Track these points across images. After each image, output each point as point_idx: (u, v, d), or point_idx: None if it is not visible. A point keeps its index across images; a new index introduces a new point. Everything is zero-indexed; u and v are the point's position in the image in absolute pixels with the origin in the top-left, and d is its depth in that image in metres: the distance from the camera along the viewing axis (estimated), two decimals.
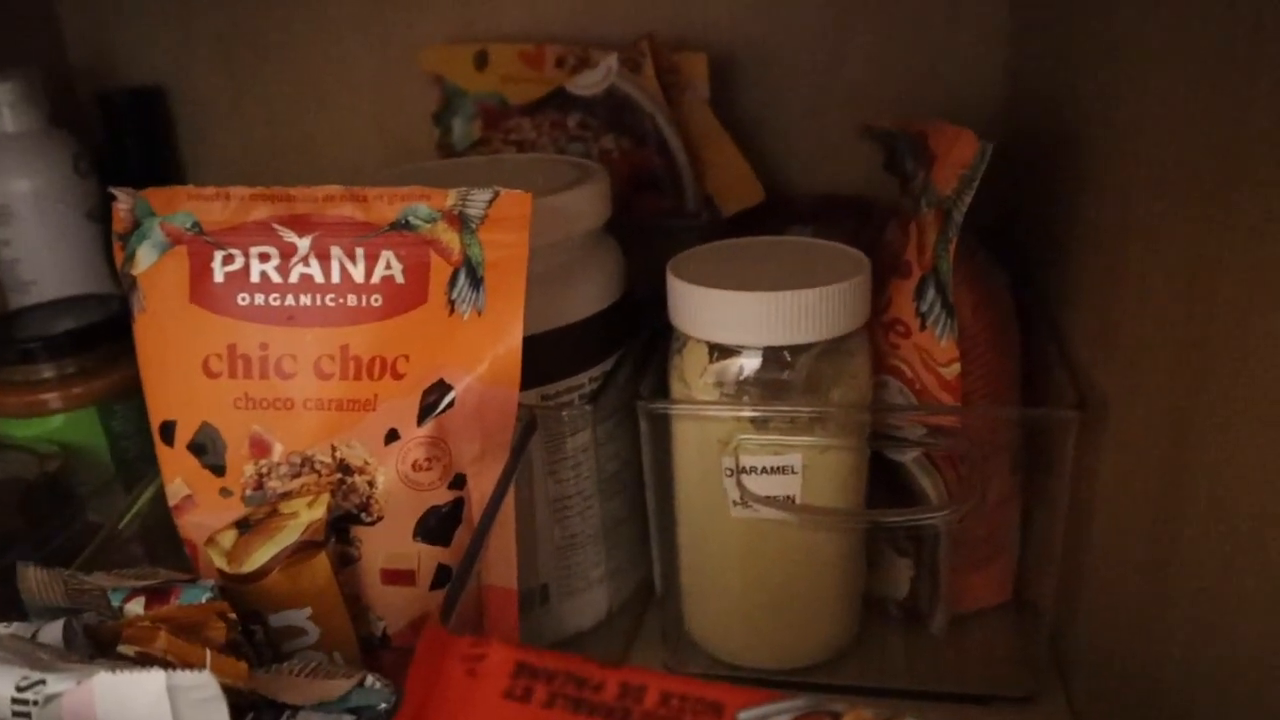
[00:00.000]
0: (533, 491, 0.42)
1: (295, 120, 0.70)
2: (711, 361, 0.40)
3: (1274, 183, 0.25)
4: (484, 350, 0.35)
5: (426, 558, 0.37)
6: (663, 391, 0.43)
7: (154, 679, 0.23)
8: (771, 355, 0.40)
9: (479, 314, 0.35)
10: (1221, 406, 0.29)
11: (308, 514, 0.35)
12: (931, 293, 0.40)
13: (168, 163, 0.72)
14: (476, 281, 0.35)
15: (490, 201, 0.35)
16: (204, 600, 0.31)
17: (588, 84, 0.56)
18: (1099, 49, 0.41)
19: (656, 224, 0.56)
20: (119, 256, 0.37)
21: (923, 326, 0.41)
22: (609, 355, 0.44)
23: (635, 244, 0.47)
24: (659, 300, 0.42)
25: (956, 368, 0.40)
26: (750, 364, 0.40)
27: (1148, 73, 0.34)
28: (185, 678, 0.23)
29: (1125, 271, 0.36)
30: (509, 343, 0.35)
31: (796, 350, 0.39)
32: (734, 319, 0.39)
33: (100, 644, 0.29)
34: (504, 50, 0.62)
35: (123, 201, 0.37)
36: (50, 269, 0.61)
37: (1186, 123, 0.31)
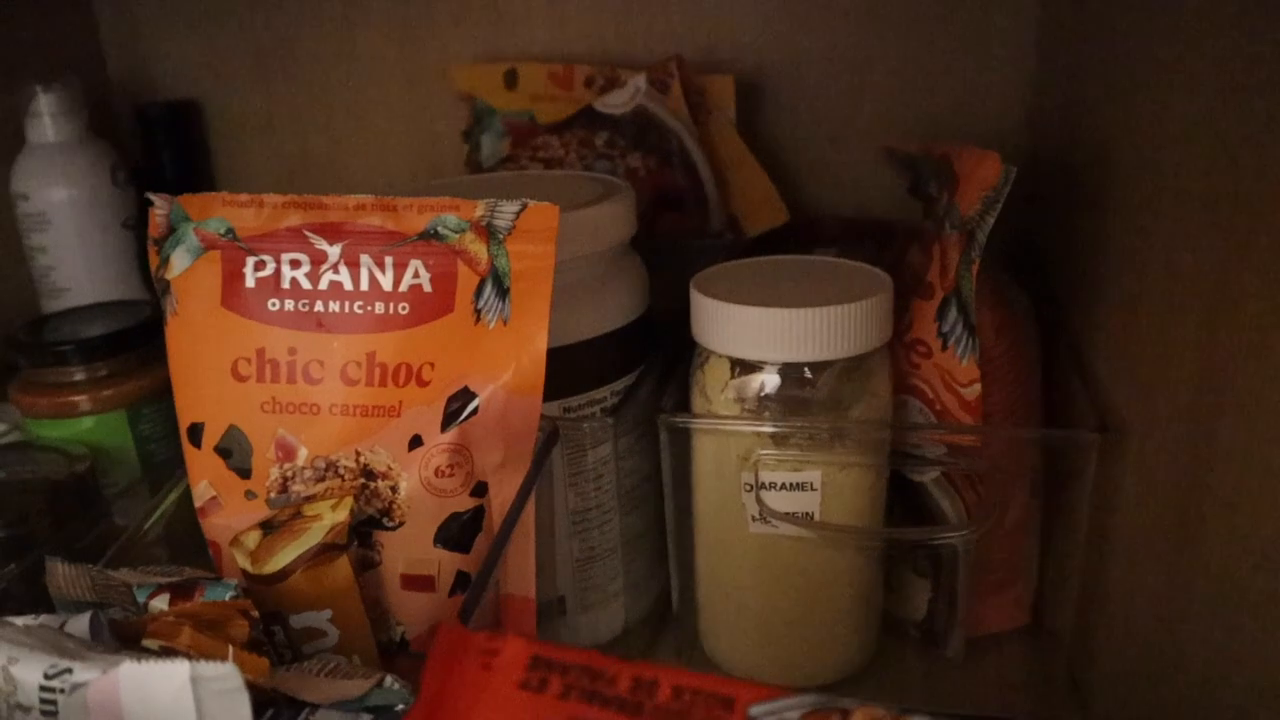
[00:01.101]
0: (553, 502, 0.43)
1: (326, 136, 0.71)
2: (733, 377, 0.41)
3: None
4: (508, 360, 0.36)
5: (446, 564, 0.37)
6: (684, 406, 0.43)
7: (178, 669, 0.23)
8: (793, 372, 0.40)
9: (504, 324, 0.36)
10: (1242, 432, 0.29)
11: (331, 517, 0.35)
12: (954, 313, 0.40)
13: (202, 176, 0.73)
14: (503, 291, 0.36)
15: (518, 213, 0.36)
16: (228, 598, 0.31)
17: (615, 103, 0.57)
18: (1121, 74, 0.41)
19: (681, 243, 0.57)
20: (153, 261, 0.38)
21: (944, 347, 0.41)
22: (631, 370, 0.45)
23: (660, 262, 0.48)
24: (682, 318, 0.43)
25: (977, 388, 0.40)
26: (771, 380, 0.40)
27: (1169, 97, 0.35)
28: (209, 668, 0.23)
29: (1146, 295, 0.37)
30: (533, 353, 0.36)
31: (818, 367, 0.40)
32: (756, 335, 0.39)
33: (125, 638, 0.30)
34: (533, 69, 0.63)
35: (159, 207, 0.37)
36: (85, 277, 0.62)
37: (1207, 147, 0.31)
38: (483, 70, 0.65)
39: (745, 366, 0.40)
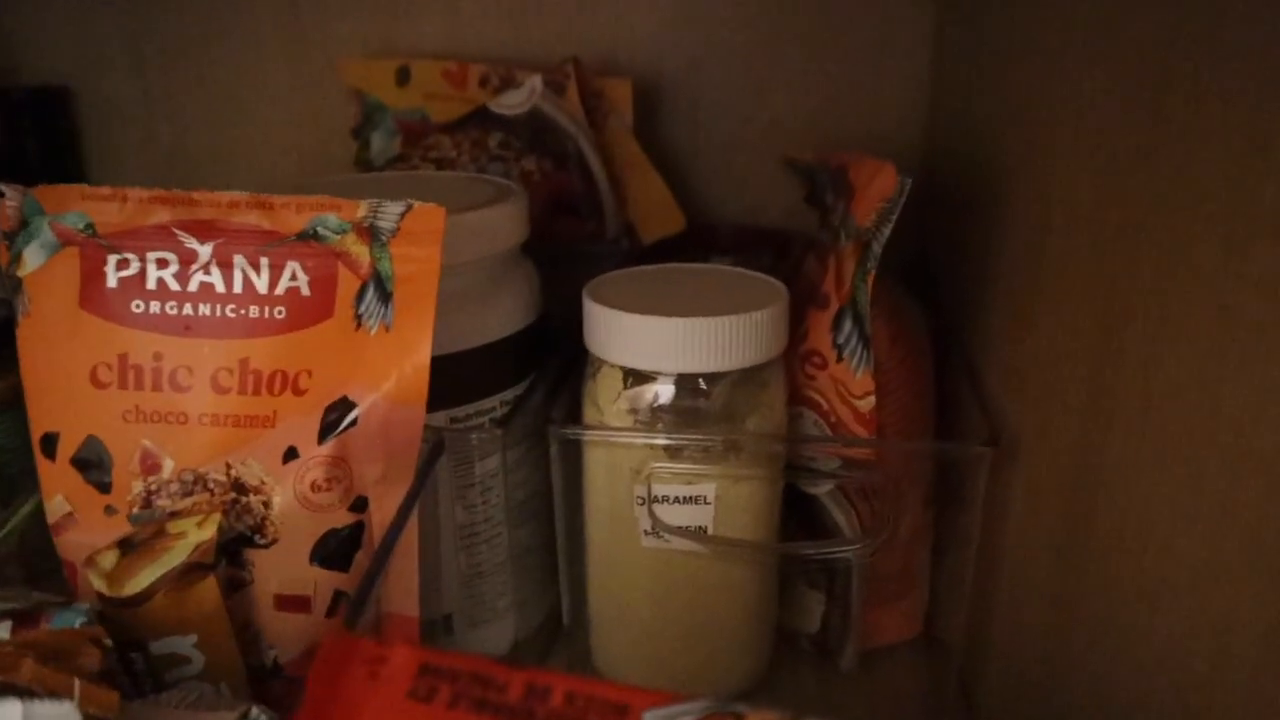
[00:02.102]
0: (438, 517, 0.41)
1: (207, 129, 0.68)
2: (625, 387, 0.40)
3: (1177, 235, 0.26)
4: (390, 368, 0.34)
5: (323, 583, 0.35)
6: (575, 417, 0.42)
7: (8, 709, 0.21)
8: (686, 383, 0.39)
9: (387, 330, 0.34)
10: (1127, 449, 0.29)
11: (196, 534, 0.33)
12: (849, 325, 0.40)
13: (70, 167, 0.69)
14: (385, 296, 0.34)
15: (403, 214, 0.34)
16: (77, 625, 0.29)
17: (511, 104, 0.55)
18: (1018, 92, 0.41)
19: (575, 249, 0.56)
20: (3, 257, 0.35)
21: (839, 358, 0.41)
22: (521, 379, 0.43)
23: (553, 268, 0.47)
24: (575, 326, 0.41)
25: (871, 400, 0.40)
26: (665, 391, 0.39)
27: (1061, 114, 0.35)
28: (44, 709, 0.21)
29: (1037, 312, 0.37)
30: (416, 361, 0.34)
31: (712, 378, 0.39)
32: (649, 344, 0.38)
33: None
34: (427, 67, 0.61)
35: (10, 198, 0.35)
36: None
37: (1098, 165, 0.31)
38: (374, 65, 0.63)
39: (638, 377, 0.39)
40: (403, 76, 0.62)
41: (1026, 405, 0.38)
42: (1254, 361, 0.22)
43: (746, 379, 0.39)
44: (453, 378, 0.39)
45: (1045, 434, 0.35)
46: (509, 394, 0.42)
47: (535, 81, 0.55)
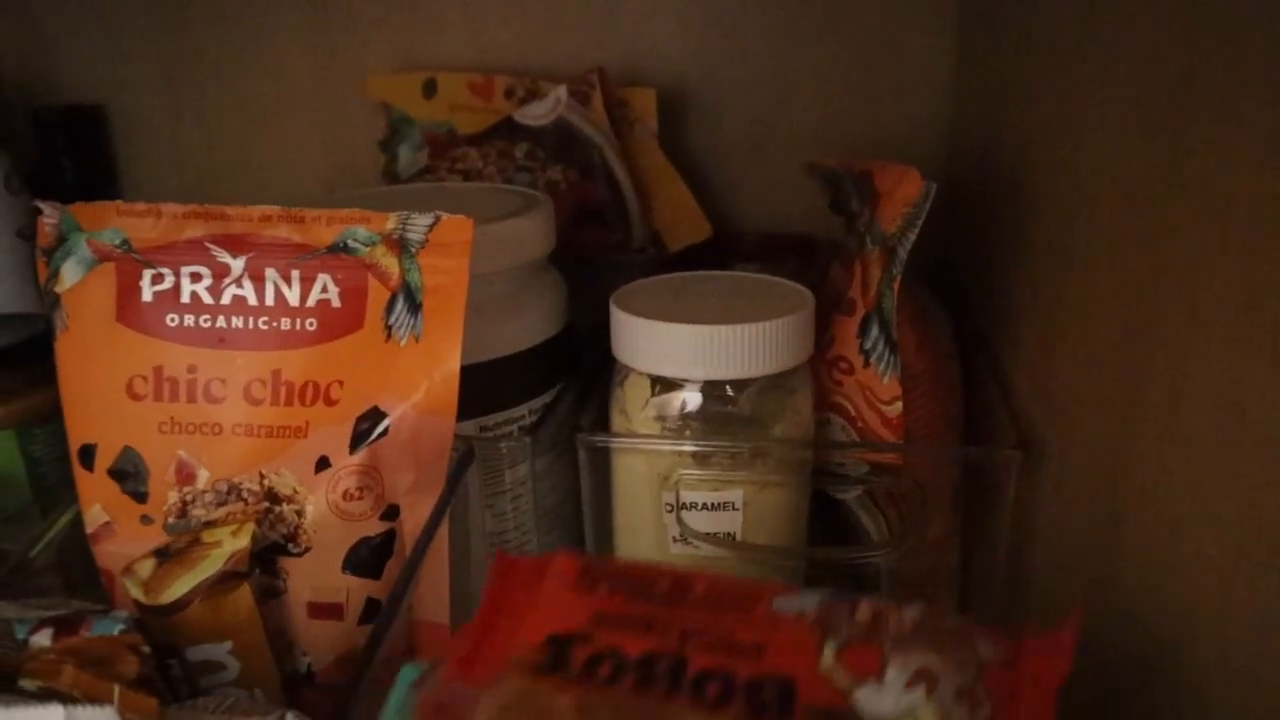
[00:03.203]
0: (468, 524, 0.41)
1: (236, 144, 0.69)
2: (653, 395, 0.40)
3: (1205, 238, 0.26)
4: (420, 378, 0.34)
5: (356, 591, 0.36)
6: (603, 425, 0.42)
7: (50, 714, 0.22)
8: (714, 390, 0.39)
9: (416, 340, 0.35)
10: (1156, 452, 0.29)
11: (231, 543, 0.33)
12: (875, 330, 0.40)
13: (104, 183, 0.70)
14: (415, 307, 0.35)
15: (431, 226, 0.34)
16: (116, 633, 0.29)
17: (536, 115, 0.56)
18: (1041, 95, 0.41)
19: (602, 258, 0.56)
20: (42, 273, 0.36)
21: (866, 364, 0.41)
22: (549, 388, 0.44)
23: (580, 277, 0.47)
24: (602, 335, 0.42)
25: (899, 406, 0.40)
26: (692, 398, 0.39)
27: (1087, 116, 0.35)
28: (85, 714, 0.22)
29: (1064, 314, 0.37)
30: (446, 370, 0.34)
31: (739, 385, 0.39)
32: (676, 352, 0.38)
33: None
34: (452, 79, 0.62)
35: (49, 216, 0.35)
36: None
37: (1124, 170, 0.31)
38: (400, 80, 0.63)
39: (665, 384, 0.40)
40: (429, 89, 0.63)
41: (1054, 409, 0.37)
42: None
43: (774, 385, 0.40)
44: (481, 387, 0.40)
45: (1073, 437, 0.35)
46: (537, 402, 0.43)
47: (560, 92, 0.56)
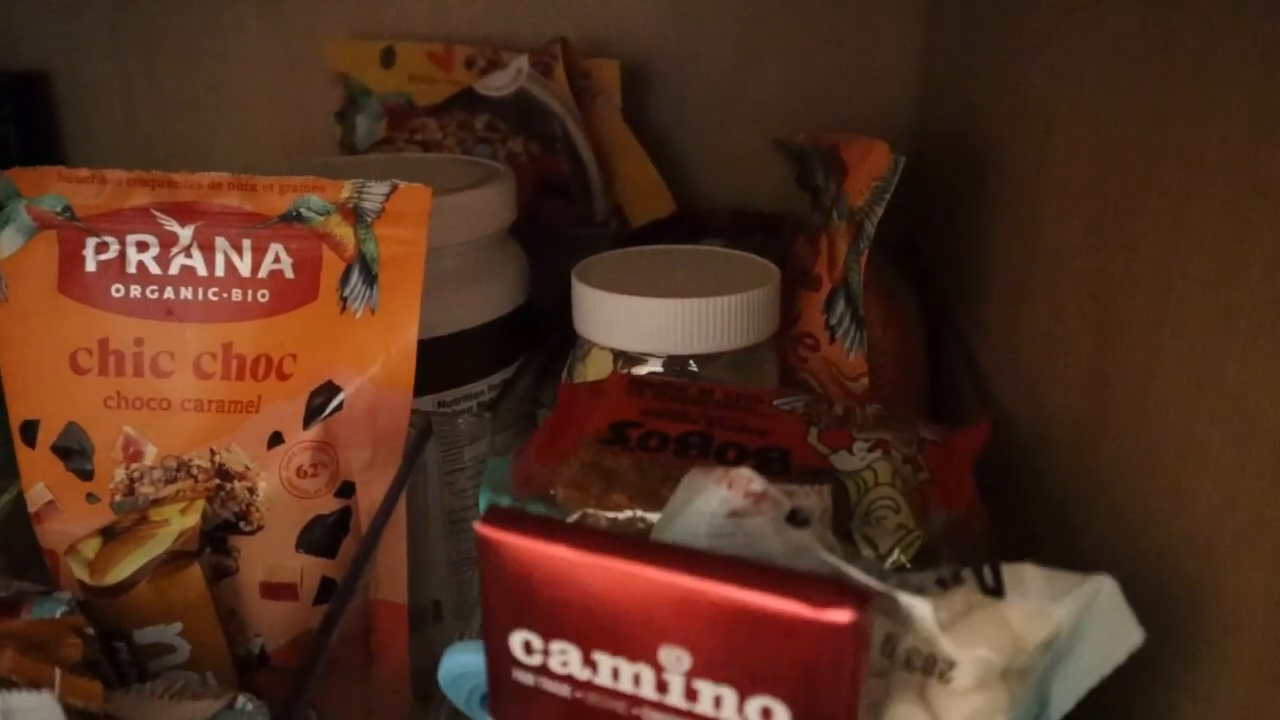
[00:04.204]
0: (427, 502, 0.40)
1: (188, 113, 0.67)
2: (616, 370, 0.39)
3: (1180, 209, 0.25)
4: (376, 351, 0.33)
5: (310, 571, 0.35)
6: None
7: None
8: (677, 365, 0.39)
9: (372, 313, 0.33)
10: (1127, 427, 0.28)
11: (180, 521, 0.32)
12: (842, 305, 0.40)
13: (50, 152, 0.68)
14: (370, 278, 0.33)
15: (388, 195, 0.33)
16: (58, 615, 0.28)
17: (497, 85, 0.54)
18: (1011, 70, 0.41)
19: (563, 232, 0.55)
20: None
21: (832, 340, 0.40)
22: (510, 363, 0.43)
23: (540, 251, 0.46)
24: (563, 309, 0.41)
25: (865, 382, 0.40)
26: (655, 374, 0.39)
27: (1058, 94, 0.34)
28: (22, 699, 0.21)
29: (1033, 294, 0.36)
30: (403, 343, 0.33)
31: (703, 360, 0.38)
32: (639, 326, 0.38)
33: None
34: (412, 49, 0.61)
35: None
36: None
37: (1095, 146, 0.31)
38: (358, 48, 0.62)
39: (628, 359, 0.39)
40: (387, 59, 0.61)
41: (1022, 389, 0.37)
42: (1260, 336, 0.22)
43: (739, 361, 0.39)
44: (440, 361, 0.39)
45: (1040, 419, 0.35)
46: (497, 378, 0.42)
47: (522, 62, 0.55)
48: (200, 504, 0.33)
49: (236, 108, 0.67)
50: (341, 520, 0.35)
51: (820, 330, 0.41)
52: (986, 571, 0.22)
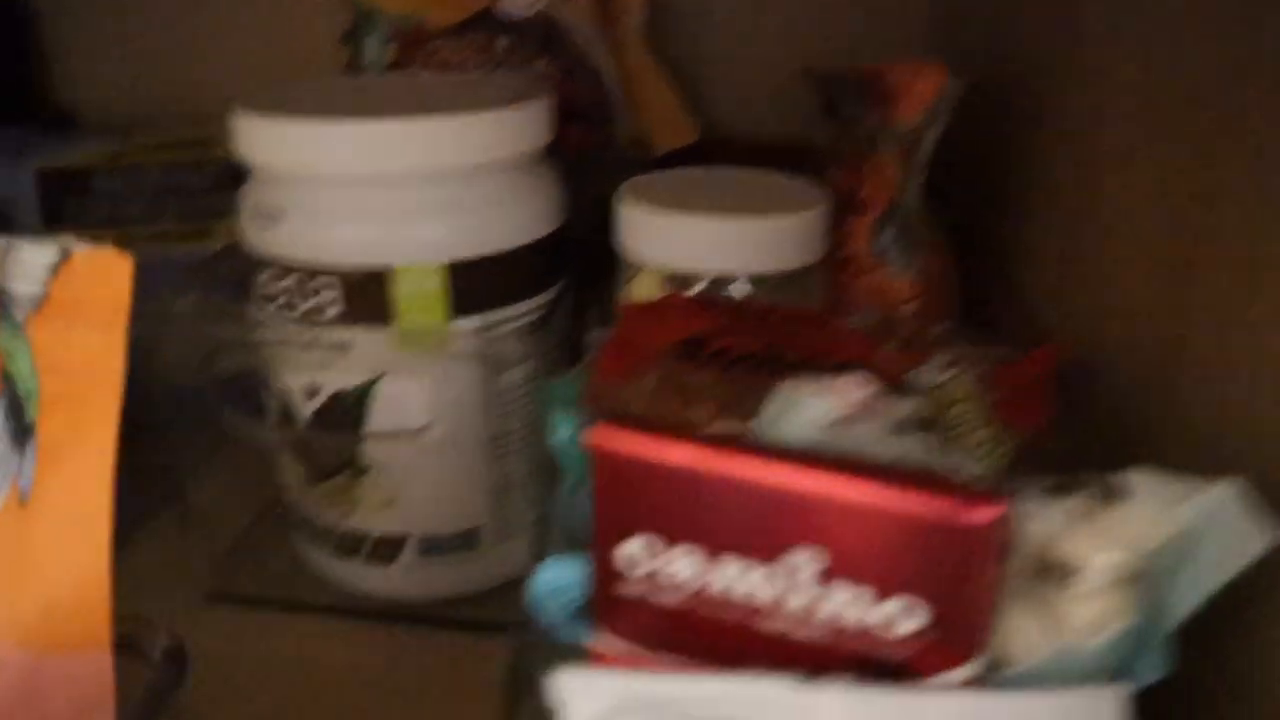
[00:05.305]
0: (465, 428, 0.39)
1: (180, 28, 0.65)
2: (664, 292, 0.38)
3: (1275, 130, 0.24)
4: (25, 584, 0.18)
5: None
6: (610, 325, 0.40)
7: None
8: (722, 288, 0.38)
9: (21, 503, 0.19)
10: (1211, 354, 0.28)
11: None
12: (892, 229, 0.39)
13: (26, 58, 0.65)
14: (21, 431, 0.19)
15: (54, 268, 0.18)
16: None
17: (518, 5, 0.53)
18: None
19: (585, 158, 0.54)
20: None
21: (879, 264, 0.40)
22: (548, 287, 0.42)
23: (561, 177, 0.45)
24: (588, 237, 0.40)
25: (914, 305, 0.39)
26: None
27: (1117, 24, 0.34)
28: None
29: (1094, 212, 0.36)
30: (88, 563, 0.18)
31: (756, 281, 0.38)
32: (692, 245, 0.37)
33: None
34: None
35: None
36: None
37: (1175, 66, 0.30)
38: None
39: (678, 281, 0.38)
40: None
41: (1079, 326, 0.36)
42: None
43: (787, 284, 0.38)
44: (482, 283, 0.38)
45: (1104, 348, 0.35)
46: (536, 301, 0.41)
47: None
48: None
49: (234, 26, 0.64)
50: None
51: (866, 255, 0.40)
52: (1108, 476, 0.22)
